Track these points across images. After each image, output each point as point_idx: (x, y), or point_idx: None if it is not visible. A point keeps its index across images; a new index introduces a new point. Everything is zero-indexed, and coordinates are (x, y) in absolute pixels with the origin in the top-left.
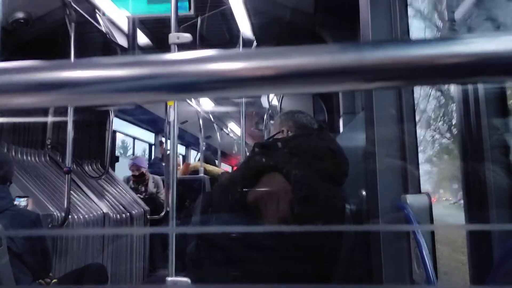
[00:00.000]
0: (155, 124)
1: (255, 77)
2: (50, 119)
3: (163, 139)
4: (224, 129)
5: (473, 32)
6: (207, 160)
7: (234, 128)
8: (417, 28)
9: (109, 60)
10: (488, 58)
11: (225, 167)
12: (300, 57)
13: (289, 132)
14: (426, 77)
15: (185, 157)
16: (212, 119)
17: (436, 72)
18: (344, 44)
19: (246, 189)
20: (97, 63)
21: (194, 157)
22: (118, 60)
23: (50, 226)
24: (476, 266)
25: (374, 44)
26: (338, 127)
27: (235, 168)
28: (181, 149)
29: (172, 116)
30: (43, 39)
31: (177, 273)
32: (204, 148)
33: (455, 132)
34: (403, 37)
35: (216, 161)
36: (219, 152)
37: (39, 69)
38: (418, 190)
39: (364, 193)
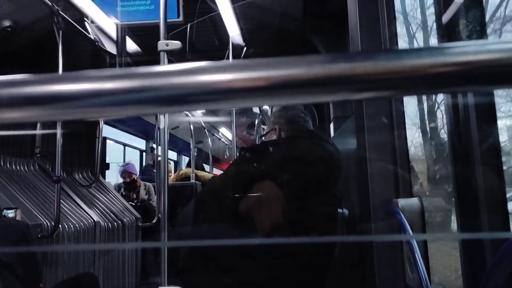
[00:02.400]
0: (146, 131)
1: (247, 88)
2: (39, 128)
3: (154, 146)
4: (216, 135)
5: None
6: (196, 165)
7: (226, 133)
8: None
9: (99, 73)
10: (478, 67)
11: (217, 172)
12: (291, 67)
13: (281, 131)
14: (417, 86)
15: (177, 163)
16: (203, 124)
17: (426, 82)
18: (334, 54)
19: (237, 197)
20: (87, 76)
21: (186, 163)
22: (108, 73)
23: (40, 236)
24: (469, 271)
25: (364, 54)
26: (329, 131)
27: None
28: (173, 155)
29: (162, 123)
30: (31, 47)
31: (170, 282)
32: (195, 153)
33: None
34: (391, 42)
35: (207, 166)
36: (210, 158)
37: (27, 83)
38: (409, 194)
39: (356, 197)
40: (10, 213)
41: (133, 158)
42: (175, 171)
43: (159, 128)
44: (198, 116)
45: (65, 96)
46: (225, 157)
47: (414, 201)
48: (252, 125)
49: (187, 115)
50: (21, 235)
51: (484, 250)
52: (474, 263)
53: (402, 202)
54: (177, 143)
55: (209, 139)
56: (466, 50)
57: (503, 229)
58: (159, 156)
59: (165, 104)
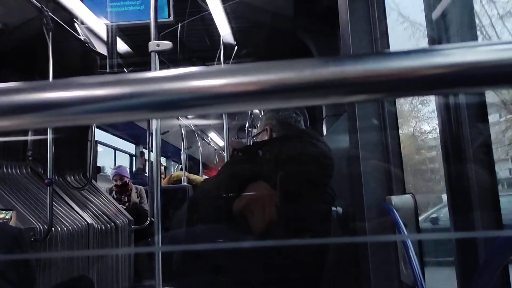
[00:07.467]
0: (136, 135)
1: (239, 93)
2: (31, 132)
3: (144, 150)
4: (205, 139)
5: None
6: (189, 169)
7: (215, 138)
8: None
9: (91, 80)
10: (468, 68)
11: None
12: (282, 72)
13: (272, 132)
14: (407, 89)
15: (166, 168)
16: (193, 128)
17: (417, 84)
18: (325, 58)
19: (230, 197)
20: (78, 83)
21: (176, 167)
22: (99, 80)
23: (33, 239)
24: (462, 270)
25: (355, 57)
26: (321, 129)
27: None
28: (162, 161)
29: (155, 125)
30: (21, 49)
31: (164, 284)
32: (185, 158)
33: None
34: (382, 40)
35: (199, 172)
36: (200, 163)
37: (19, 91)
38: (402, 191)
39: (349, 195)
40: (6, 215)
41: (124, 162)
42: (165, 176)
43: (151, 134)
44: (188, 119)
45: (57, 103)
46: (215, 162)
47: (407, 197)
48: (242, 129)
49: (177, 118)
50: (14, 240)
51: (477, 246)
52: (467, 259)
53: (395, 199)
54: (166, 148)
55: (199, 143)
56: (455, 52)
57: (495, 227)
58: (151, 160)
59: (157, 109)
